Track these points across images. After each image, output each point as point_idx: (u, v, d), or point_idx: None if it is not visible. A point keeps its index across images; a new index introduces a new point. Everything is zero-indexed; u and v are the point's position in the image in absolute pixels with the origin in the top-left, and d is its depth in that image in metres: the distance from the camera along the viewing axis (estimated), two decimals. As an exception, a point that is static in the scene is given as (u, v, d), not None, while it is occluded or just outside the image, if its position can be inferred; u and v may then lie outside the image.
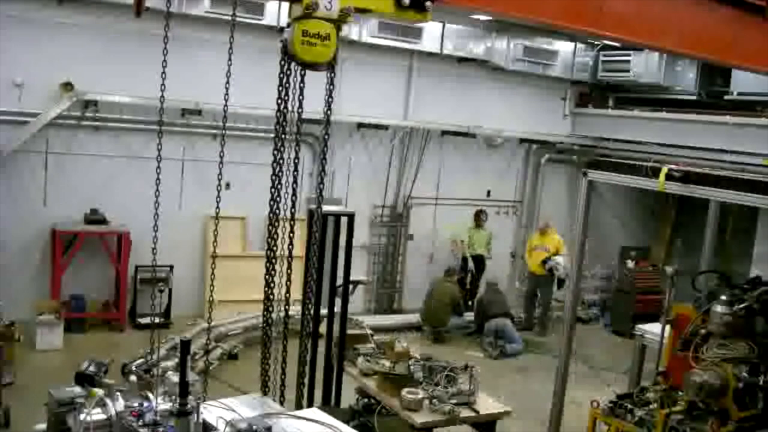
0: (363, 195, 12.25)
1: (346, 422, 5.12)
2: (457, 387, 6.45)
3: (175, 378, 4.26)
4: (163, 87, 5.17)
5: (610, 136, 13.43)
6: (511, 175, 13.92)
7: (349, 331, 7.30)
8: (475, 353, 10.87)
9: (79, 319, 10.07)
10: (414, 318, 11.95)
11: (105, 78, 10.05)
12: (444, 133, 12.75)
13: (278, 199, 5.18)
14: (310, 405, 6.38)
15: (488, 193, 13.63)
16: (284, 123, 4.99)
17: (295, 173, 5.32)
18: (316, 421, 4.63)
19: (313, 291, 6.14)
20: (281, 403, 5.31)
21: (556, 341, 9.91)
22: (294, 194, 5.39)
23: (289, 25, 4.42)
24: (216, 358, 9.17)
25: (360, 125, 12.03)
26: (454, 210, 12.90)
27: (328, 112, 5.23)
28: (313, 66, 4.54)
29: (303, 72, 4.89)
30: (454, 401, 6.29)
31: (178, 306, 10.61)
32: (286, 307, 5.53)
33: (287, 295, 5.46)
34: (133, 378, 4.85)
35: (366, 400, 6.92)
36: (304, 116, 5.18)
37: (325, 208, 6.05)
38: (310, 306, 5.78)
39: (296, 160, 5.32)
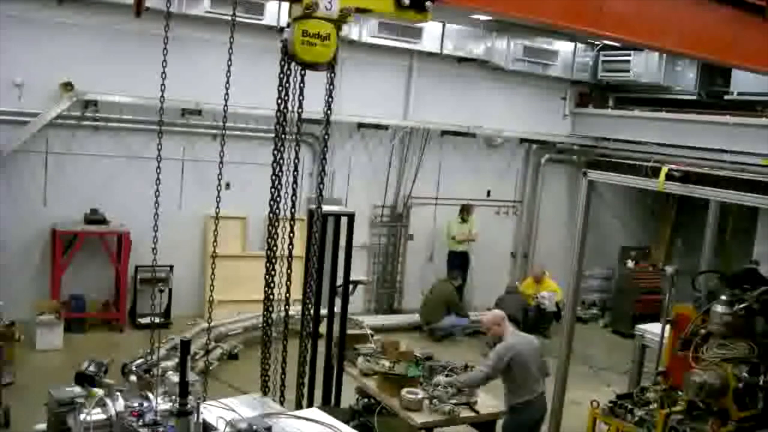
0: (363, 195, 12.25)
1: (346, 422, 5.12)
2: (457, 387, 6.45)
3: (175, 378, 4.25)
4: (163, 87, 5.16)
5: (610, 136, 13.44)
6: (511, 175, 13.91)
7: (349, 331, 7.31)
8: (475, 353, 10.85)
9: (79, 319, 10.08)
10: (414, 318, 11.98)
11: (105, 78, 10.06)
12: (444, 133, 12.75)
13: (278, 199, 5.17)
14: (310, 405, 6.38)
15: (488, 193, 13.64)
16: (284, 123, 4.99)
17: (295, 173, 5.31)
18: (316, 421, 4.62)
19: (313, 291, 6.14)
20: (281, 403, 5.29)
21: (555, 341, 9.90)
22: (294, 194, 5.38)
23: (289, 25, 4.42)
24: (216, 358, 9.17)
25: (360, 125, 12.03)
26: (454, 210, 12.86)
27: (328, 112, 5.22)
28: (313, 66, 4.54)
29: (303, 72, 4.89)
30: (454, 401, 6.29)
31: (178, 306, 10.62)
32: (286, 307, 5.53)
33: (287, 295, 5.45)
34: (133, 378, 4.83)
35: (366, 400, 6.91)
36: (304, 116, 5.17)
37: (325, 208, 6.04)
38: (310, 306, 5.76)
39: (296, 160, 5.30)
